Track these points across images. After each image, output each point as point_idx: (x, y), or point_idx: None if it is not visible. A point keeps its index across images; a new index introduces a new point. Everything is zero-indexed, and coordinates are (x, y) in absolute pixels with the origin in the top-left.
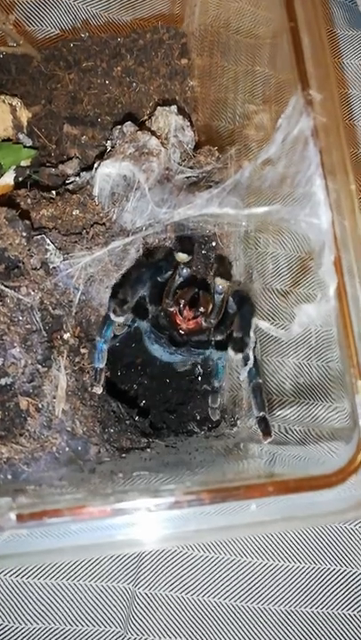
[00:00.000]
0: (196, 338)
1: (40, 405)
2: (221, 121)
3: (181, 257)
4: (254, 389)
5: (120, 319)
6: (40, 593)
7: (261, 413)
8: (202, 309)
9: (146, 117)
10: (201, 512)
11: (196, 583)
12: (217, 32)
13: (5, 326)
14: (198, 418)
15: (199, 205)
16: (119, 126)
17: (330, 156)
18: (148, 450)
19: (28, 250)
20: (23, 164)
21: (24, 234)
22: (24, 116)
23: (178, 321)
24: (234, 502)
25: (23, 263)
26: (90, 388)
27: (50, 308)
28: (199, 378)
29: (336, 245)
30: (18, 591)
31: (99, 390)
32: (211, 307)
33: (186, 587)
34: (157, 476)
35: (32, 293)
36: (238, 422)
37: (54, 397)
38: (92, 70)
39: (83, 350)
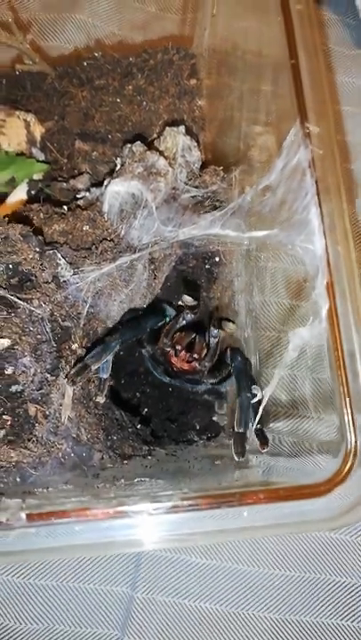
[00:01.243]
0: (190, 376)
1: (47, 412)
2: (228, 140)
3: (186, 300)
4: (253, 405)
5: (96, 365)
6: (41, 594)
7: (258, 425)
8: (196, 355)
9: (155, 136)
10: (196, 517)
11: (193, 589)
12: (225, 53)
13: (17, 336)
14: (198, 427)
15: (203, 226)
16: (129, 145)
17: (325, 185)
18: (150, 457)
19: (41, 264)
20: (36, 177)
21: (37, 249)
22: (38, 131)
23: (173, 361)
24: (228, 508)
25: (35, 277)
26: (94, 397)
27: (59, 320)
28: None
29: (329, 271)
30: (19, 592)
31: (102, 400)
32: (205, 352)
33: (183, 592)
34: (157, 483)
35: (43, 305)
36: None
37: (61, 405)
38: (104, 88)
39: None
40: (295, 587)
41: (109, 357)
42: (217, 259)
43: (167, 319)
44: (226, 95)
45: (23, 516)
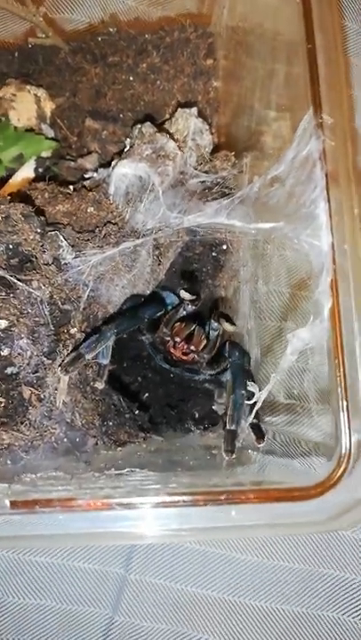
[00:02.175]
0: (188, 366)
1: (42, 396)
2: (242, 124)
3: (184, 295)
4: (248, 398)
5: (65, 376)
6: (35, 570)
7: (255, 420)
8: (193, 348)
9: (166, 117)
10: (184, 513)
11: (186, 574)
12: (244, 33)
13: (15, 318)
14: (197, 416)
15: (208, 214)
16: (139, 125)
17: (336, 179)
18: (144, 445)
19: (42, 245)
20: (44, 154)
21: (38, 230)
22: (48, 106)
23: (171, 350)
24: (216, 507)
25: (36, 258)
26: (92, 383)
27: (59, 303)
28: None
29: (334, 269)
30: (14, 567)
31: (101, 386)
32: (203, 345)
33: (175, 576)
34: (147, 475)
35: (42, 287)
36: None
37: (56, 389)
38: (117, 65)
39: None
40: (289, 578)
41: (110, 344)
42: (224, 247)
43: (168, 307)
44: (243, 77)
45: (7, 502)
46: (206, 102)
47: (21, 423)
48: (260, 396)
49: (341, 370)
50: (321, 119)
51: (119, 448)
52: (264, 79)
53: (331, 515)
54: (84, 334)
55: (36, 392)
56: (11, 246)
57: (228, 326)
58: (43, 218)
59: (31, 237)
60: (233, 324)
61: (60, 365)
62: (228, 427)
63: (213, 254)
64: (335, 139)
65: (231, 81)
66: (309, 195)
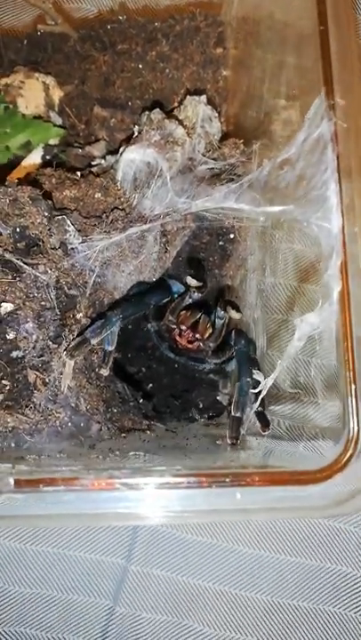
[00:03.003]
0: (194, 355)
1: (47, 380)
2: (251, 113)
3: (191, 282)
4: (254, 387)
5: (70, 361)
6: (36, 559)
7: (259, 408)
8: (198, 336)
9: (175, 105)
10: (189, 494)
11: (188, 565)
12: (254, 22)
13: (21, 301)
14: (201, 406)
15: (217, 199)
16: (147, 112)
17: (347, 161)
18: (148, 432)
19: (49, 229)
20: (52, 142)
21: (46, 214)
22: (56, 94)
23: (177, 338)
24: (220, 488)
25: (43, 242)
26: (97, 369)
27: (65, 288)
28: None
29: (344, 251)
30: (15, 556)
31: (105, 372)
32: (209, 333)
33: (177, 568)
34: (152, 458)
35: (49, 272)
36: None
37: (61, 374)
38: (126, 53)
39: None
40: (290, 571)
41: (115, 330)
42: (231, 235)
43: (174, 296)
44: (252, 66)
45: (11, 481)
46: (215, 91)
47: (26, 407)
48: (266, 384)
49: (350, 353)
50: (333, 101)
51: (123, 434)
52: (274, 69)
53: (337, 499)
54: (89, 319)
55: (42, 376)
56: (18, 229)
57: (234, 314)
58: (50, 202)
59: (38, 221)
60: (239, 311)
61: (65, 350)
62: (233, 413)
63: (221, 243)
64: (347, 121)
65: (241, 70)
66: (320, 177)
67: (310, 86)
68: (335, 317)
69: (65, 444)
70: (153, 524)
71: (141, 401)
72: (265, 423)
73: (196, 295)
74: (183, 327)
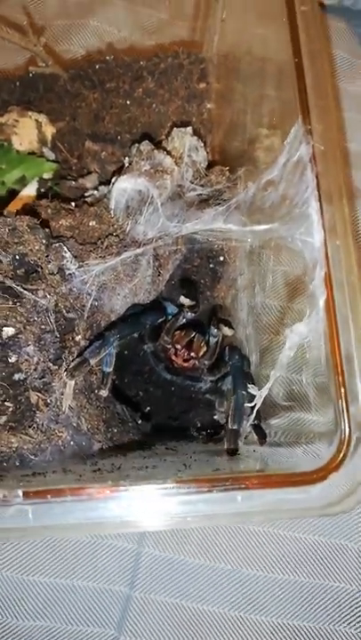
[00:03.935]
0: (190, 373)
1: (49, 401)
2: (235, 142)
3: (184, 301)
4: (249, 400)
5: (70, 381)
6: (38, 590)
7: (256, 421)
8: (194, 354)
9: (163, 137)
10: (189, 500)
11: (192, 590)
12: (234, 58)
13: (22, 325)
14: (199, 425)
15: (206, 220)
16: (137, 144)
17: (326, 180)
18: (149, 451)
19: (47, 256)
20: (46, 176)
21: (44, 241)
22: (49, 131)
23: (172, 358)
24: (221, 493)
25: (41, 268)
26: (97, 390)
27: (64, 311)
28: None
29: (327, 262)
30: (17, 588)
31: (105, 393)
32: (204, 351)
33: (181, 593)
34: (153, 472)
35: (48, 296)
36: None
37: (62, 394)
38: (114, 91)
39: None
40: (294, 591)
41: (112, 351)
42: (221, 258)
43: (168, 317)
44: (234, 99)
45: (20, 493)
46: (200, 123)
47: (29, 427)
48: (261, 394)
49: (338, 358)
50: (310, 126)
51: (125, 454)
52: (255, 100)
53: (334, 498)
54: (88, 341)
55: (43, 397)
56: (17, 257)
57: (226, 331)
58: (48, 230)
59: (37, 248)
60: (231, 327)
61: (65, 370)
62: (230, 426)
63: (211, 265)
64: (324, 143)
65: (223, 103)
66: (302, 196)
67: (289, 114)
68: (322, 325)
69: (68, 462)
70: (157, 531)
71: (140, 422)
72: (262, 436)
73: (190, 315)
74: (178, 346)
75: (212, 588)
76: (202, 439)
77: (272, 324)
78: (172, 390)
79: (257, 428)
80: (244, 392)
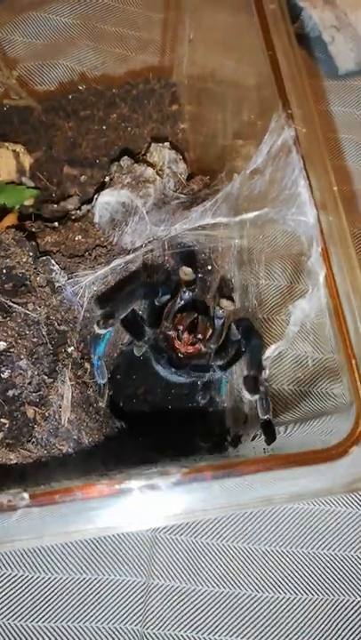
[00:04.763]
0: (196, 362)
1: (47, 414)
2: (212, 155)
3: (185, 271)
4: (260, 395)
5: (103, 331)
6: (45, 637)
7: (267, 416)
8: (200, 336)
9: (142, 154)
10: (205, 488)
11: (208, 621)
12: (203, 80)
13: (13, 340)
14: (202, 437)
15: (194, 218)
16: (116, 162)
17: (312, 159)
18: (153, 464)
19: (35, 268)
20: (27, 203)
21: (30, 253)
22: (27, 161)
23: (176, 345)
24: (236, 478)
25: (30, 281)
26: (94, 404)
27: (55, 324)
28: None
29: (323, 238)
30: (20, 637)
31: (103, 404)
32: (210, 332)
33: (196, 625)
34: (164, 464)
35: (38, 309)
36: (242, 439)
37: (60, 407)
38: (89, 118)
39: (86, 365)
40: (315, 610)
41: (102, 363)
42: (209, 267)
43: (160, 295)
44: (207, 118)
45: (26, 495)
46: (176, 142)
47: (28, 442)
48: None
49: (345, 330)
50: (290, 110)
51: (128, 466)
52: (226, 116)
53: (359, 472)
54: (80, 354)
55: (40, 410)
56: (4, 270)
57: (226, 304)
58: (35, 243)
59: (24, 260)
60: (231, 300)
61: (96, 323)
62: (261, 417)
63: (200, 275)
64: (306, 126)
65: (197, 122)
66: (289, 177)
67: (263, 120)
68: (325, 300)
69: (72, 473)
70: (175, 525)
71: (140, 438)
72: (271, 436)
73: (188, 295)
74: (181, 328)
75: (228, 616)
76: (206, 448)
77: (270, 317)
78: (171, 407)
79: (267, 426)
80: (266, 384)
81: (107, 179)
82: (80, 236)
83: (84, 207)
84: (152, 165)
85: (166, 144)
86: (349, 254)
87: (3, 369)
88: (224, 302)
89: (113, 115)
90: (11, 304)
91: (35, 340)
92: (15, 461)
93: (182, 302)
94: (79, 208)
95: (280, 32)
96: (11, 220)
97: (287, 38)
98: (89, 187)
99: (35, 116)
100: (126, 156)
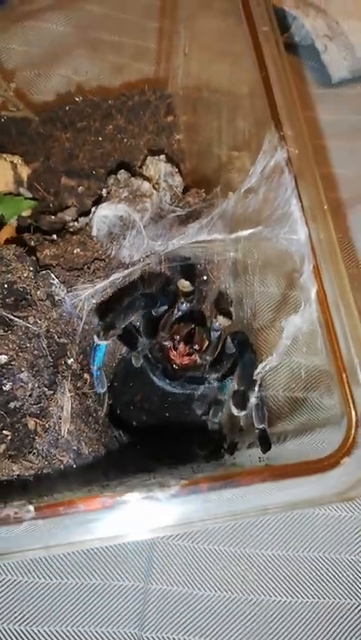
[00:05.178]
0: (191, 374)
1: (47, 425)
2: (207, 167)
3: (184, 284)
4: (256, 404)
5: (104, 342)
6: None
7: (262, 426)
8: (196, 347)
9: (138, 167)
10: (204, 499)
11: (207, 625)
12: (199, 91)
13: (14, 353)
14: (199, 445)
15: (191, 234)
16: (113, 175)
17: (303, 179)
18: (150, 473)
19: (35, 283)
20: (24, 214)
21: (31, 268)
22: (24, 172)
23: (172, 356)
24: (233, 489)
25: (30, 295)
26: (94, 413)
27: (55, 337)
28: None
29: (314, 255)
30: None
31: (103, 412)
32: (206, 344)
33: (194, 629)
34: (163, 478)
35: (39, 322)
36: (238, 446)
37: (60, 418)
38: (85, 129)
39: (85, 376)
40: (315, 614)
41: (102, 373)
42: (204, 277)
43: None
44: (202, 129)
45: (31, 508)
46: (172, 153)
47: (29, 453)
48: (259, 376)
49: (336, 345)
50: (282, 132)
51: (128, 476)
52: (221, 128)
53: (351, 482)
54: (80, 365)
55: (41, 422)
56: (6, 285)
57: (222, 320)
58: (35, 257)
59: (25, 275)
60: (228, 317)
61: (96, 333)
62: (256, 426)
63: (195, 286)
64: (297, 147)
65: (192, 133)
66: (282, 197)
67: (257, 134)
68: (316, 314)
69: (73, 484)
70: (173, 535)
71: (138, 447)
72: (267, 445)
73: (185, 306)
74: (177, 338)
75: (226, 620)
76: (203, 456)
77: (265, 327)
78: (170, 407)
79: (262, 435)
80: (257, 392)
81: (104, 191)
82: (79, 249)
83: (82, 219)
84: (148, 179)
85: (162, 157)
86: (340, 271)
87: (4, 381)
88: (221, 319)
89: (109, 126)
90: (12, 317)
91: (35, 352)
92: (17, 472)
93: (180, 313)
94: (77, 220)
95: (273, 55)
96: (9, 232)
97: (280, 60)
98: (86, 198)
99: (32, 128)
100: (123, 170)
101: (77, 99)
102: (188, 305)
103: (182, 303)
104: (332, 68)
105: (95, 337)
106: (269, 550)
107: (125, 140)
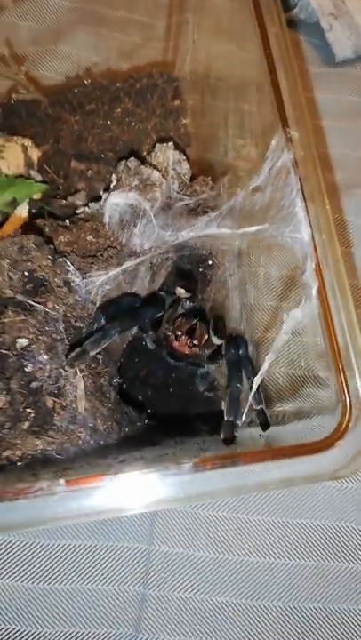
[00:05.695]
0: (192, 360)
1: (64, 404)
2: (213, 154)
3: (180, 292)
4: (255, 388)
5: (94, 352)
6: (53, 598)
7: (260, 407)
8: (196, 342)
9: (146, 153)
10: (207, 476)
11: (204, 584)
12: (206, 76)
13: (34, 336)
14: (202, 420)
15: (200, 227)
16: (124, 161)
17: (308, 182)
18: (159, 446)
19: (54, 270)
20: (35, 197)
21: (49, 256)
22: (34, 154)
23: (174, 345)
24: (237, 467)
25: (49, 282)
26: (107, 393)
27: (72, 321)
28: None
29: (316, 254)
30: (30, 597)
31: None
32: (205, 340)
33: (193, 587)
34: (174, 455)
35: (57, 307)
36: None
37: (75, 397)
38: (94, 112)
39: (98, 356)
40: (302, 575)
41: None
42: (210, 262)
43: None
44: (209, 113)
45: (62, 482)
46: (178, 137)
47: (50, 429)
48: (257, 380)
49: (334, 338)
50: (289, 134)
51: (139, 449)
52: (228, 113)
53: (342, 462)
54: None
55: (59, 401)
56: (26, 273)
57: (215, 340)
58: (52, 246)
59: (44, 263)
60: (222, 337)
61: (65, 356)
62: (226, 418)
63: (200, 269)
64: (303, 150)
65: (199, 117)
66: (288, 197)
67: (263, 125)
68: (316, 310)
69: (91, 458)
70: (176, 510)
71: (147, 421)
72: (265, 423)
73: (188, 304)
74: (179, 332)
75: (222, 579)
76: (207, 431)
77: (266, 319)
78: (175, 382)
79: (260, 414)
80: (238, 385)
81: (113, 177)
82: (91, 236)
83: (93, 205)
84: (157, 168)
85: (170, 144)
86: (339, 269)
87: (26, 363)
88: (213, 339)
89: (117, 109)
90: (32, 303)
91: (54, 335)
92: (41, 447)
93: (182, 310)
94: (87, 204)
95: (282, 55)
96: (10, 226)
97: (289, 59)
98: (96, 182)
99: (42, 110)
100: (133, 157)
101: (86, 81)
102: (191, 304)
103: (185, 301)
104: (337, 46)
105: (88, 346)
106: (262, 516)
107: (133, 123)
